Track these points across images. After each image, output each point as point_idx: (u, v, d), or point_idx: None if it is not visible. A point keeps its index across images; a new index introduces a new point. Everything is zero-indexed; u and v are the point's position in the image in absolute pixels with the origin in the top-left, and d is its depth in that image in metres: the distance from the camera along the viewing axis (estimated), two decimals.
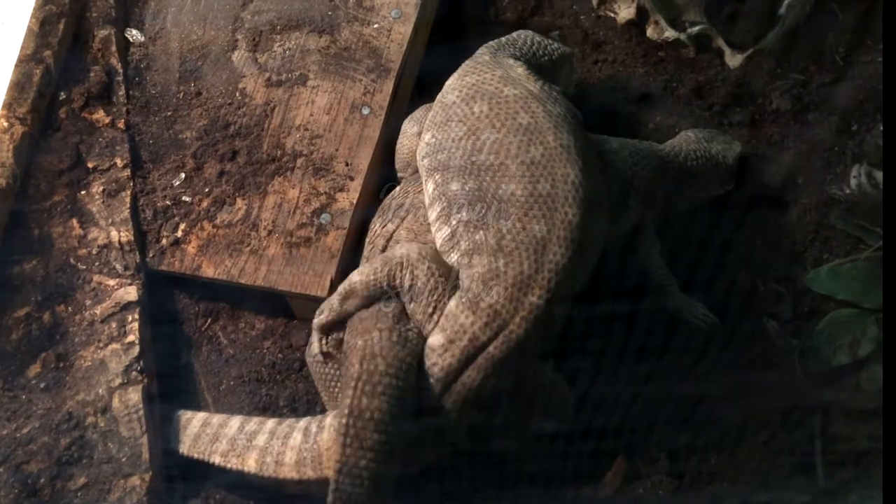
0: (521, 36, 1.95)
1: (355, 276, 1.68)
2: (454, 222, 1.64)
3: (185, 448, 1.75)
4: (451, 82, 1.81)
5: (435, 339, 1.58)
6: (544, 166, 1.61)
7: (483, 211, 1.61)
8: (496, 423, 1.68)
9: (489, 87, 1.72)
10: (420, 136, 1.83)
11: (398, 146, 1.94)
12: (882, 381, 1.89)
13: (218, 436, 1.74)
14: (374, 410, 1.52)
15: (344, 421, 1.52)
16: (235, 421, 1.76)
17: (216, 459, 1.72)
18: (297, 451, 1.64)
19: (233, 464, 1.70)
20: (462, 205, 1.64)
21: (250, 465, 1.68)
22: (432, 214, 1.70)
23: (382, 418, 1.52)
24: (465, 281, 1.60)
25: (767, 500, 1.85)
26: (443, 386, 1.57)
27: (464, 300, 1.58)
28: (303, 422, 1.69)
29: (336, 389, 1.73)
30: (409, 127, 1.91)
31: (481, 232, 1.60)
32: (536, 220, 1.58)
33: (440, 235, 1.68)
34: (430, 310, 1.60)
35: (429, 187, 1.72)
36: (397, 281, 1.62)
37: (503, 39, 1.93)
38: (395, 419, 1.53)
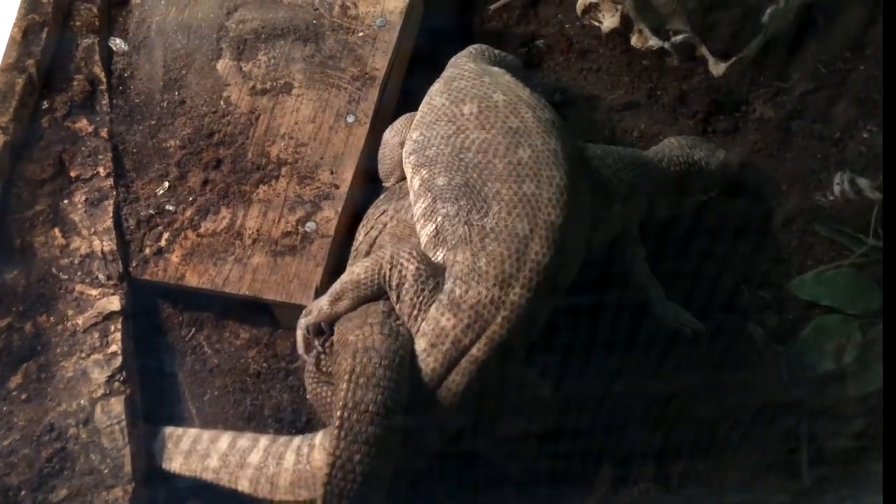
0: (481, 49, 1.97)
1: (346, 277, 1.67)
2: (439, 218, 1.64)
3: (175, 465, 1.73)
4: (437, 87, 1.82)
5: (419, 344, 1.58)
6: (531, 167, 1.62)
7: (468, 207, 1.62)
8: (479, 425, 1.67)
9: (478, 91, 1.74)
10: (402, 146, 1.84)
11: (380, 156, 1.94)
12: (867, 387, 1.90)
13: (209, 452, 1.72)
14: (369, 403, 1.49)
15: (338, 414, 1.49)
16: (226, 436, 1.74)
17: (208, 476, 1.70)
18: (291, 472, 1.63)
19: (224, 481, 1.68)
20: (447, 199, 1.64)
21: (244, 484, 1.67)
22: (417, 211, 1.70)
23: (378, 411, 1.49)
24: (448, 281, 1.60)
25: (745, 500, 1.85)
26: (428, 391, 1.57)
27: (445, 302, 1.57)
28: (296, 441, 1.67)
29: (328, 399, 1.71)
30: (390, 137, 1.91)
31: (465, 227, 1.61)
32: (520, 219, 1.58)
33: (425, 232, 1.68)
34: (414, 311, 1.59)
35: (415, 183, 1.72)
36: (386, 279, 1.62)
37: (472, 53, 1.95)
38: (390, 413, 1.50)
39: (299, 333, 1.72)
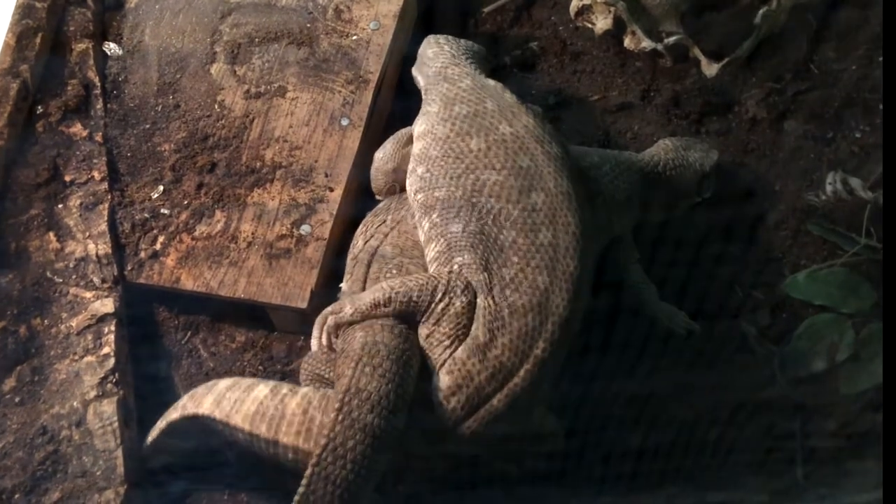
0: (454, 46, 1.95)
1: (397, 287, 1.61)
2: (456, 267, 1.62)
3: (174, 415, 1.70)
4: (436, 110, 1.76)
5: (443, 381, 1.57)
6: (546, 214, 1.60)
7: (485, 255, 1.60)
8: (485, 461, 1.69)
9: (484, 122, 1.70)
10: (395, 172, 1.83)
11: (373, 173, 1.92)
12: (860, 386, 1.90)
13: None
14: (372, 391, 1.50)
15: (340, 397, 1.49)
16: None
17: (178, 410, 1.68)
18: (259, 402, 1.59)
19: (189, 409, 1.66)
20: (463, 248, 1.62)
21: (205, 406, 1.64)
22: (430, 253, 1.68)
23: (380, 400, 1.49)
24: (472, 324, 1.59)
25: (724, 500, 1.85)
26: (445, 429, 1.57)
27: (471, 346, 1.56)
28: (272, 382, 1.65)
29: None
30: (382, 163, 1.88)
31: (485, 274, 1.59)
32: (539, 271, 1.57)
33: None
34: (447, 341, 1.58)
35: (424, 224, 1.69)
36: (434, 302, 1.59)
37: (454, 50, 1.93)
38: (391, 405, 1.50)
39: (318, 325, 1.68)
